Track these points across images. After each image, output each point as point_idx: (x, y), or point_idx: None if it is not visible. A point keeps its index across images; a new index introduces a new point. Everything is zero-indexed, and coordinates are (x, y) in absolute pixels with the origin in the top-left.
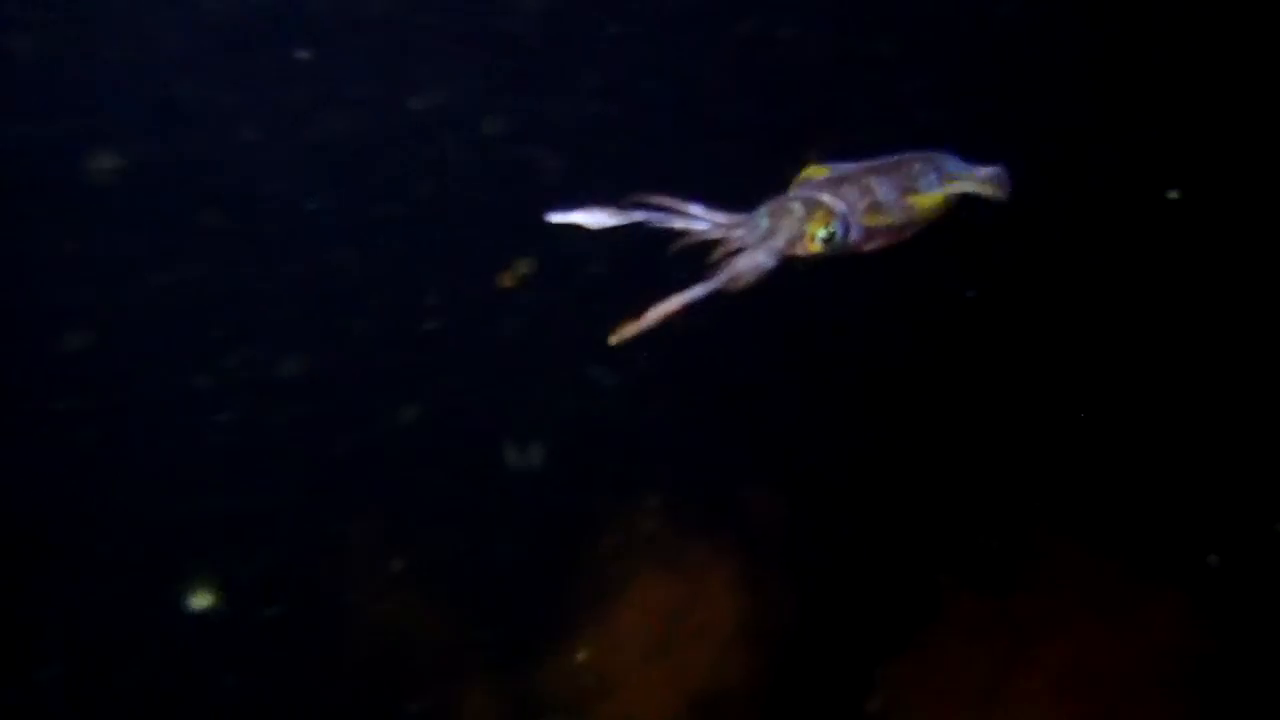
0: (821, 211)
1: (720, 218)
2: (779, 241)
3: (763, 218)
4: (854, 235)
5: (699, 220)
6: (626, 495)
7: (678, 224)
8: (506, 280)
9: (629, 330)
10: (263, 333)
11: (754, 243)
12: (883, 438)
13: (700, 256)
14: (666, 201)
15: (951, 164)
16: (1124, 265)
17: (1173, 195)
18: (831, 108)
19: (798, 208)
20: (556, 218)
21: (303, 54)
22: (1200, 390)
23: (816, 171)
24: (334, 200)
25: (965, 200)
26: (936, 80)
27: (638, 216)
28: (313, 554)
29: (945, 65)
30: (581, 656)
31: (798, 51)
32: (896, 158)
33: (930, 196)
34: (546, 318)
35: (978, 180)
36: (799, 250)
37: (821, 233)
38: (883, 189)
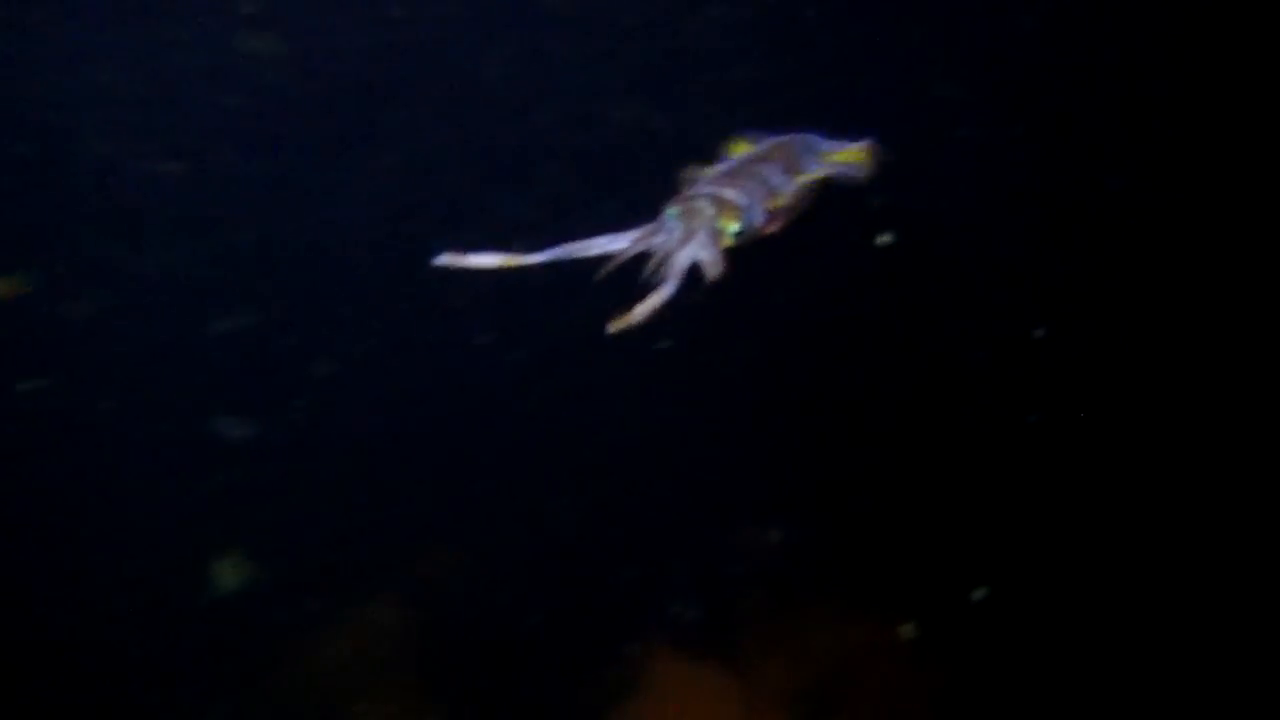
0: (729, 208)
1: (632, 233)
2: (704, 238)
3: (674, 221)
4: (758, 221)
5: (612, 242)
6: (266, 578)
7: (592, 251)
8: None
9: (621, 325)
10: None
11: (677, 246)
12: (569, 492)
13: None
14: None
15: (821, 143)
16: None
17: (884, 239)
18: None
19: (706, 206)
20: (444, 261)
21: None
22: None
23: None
24: None
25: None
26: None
27: (544, 255)
28: None
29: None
30: None
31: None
32: (772, 142)
33: (814, 175)
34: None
35: (850, 154)
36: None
37: (733, 227)
38: (773, 175)
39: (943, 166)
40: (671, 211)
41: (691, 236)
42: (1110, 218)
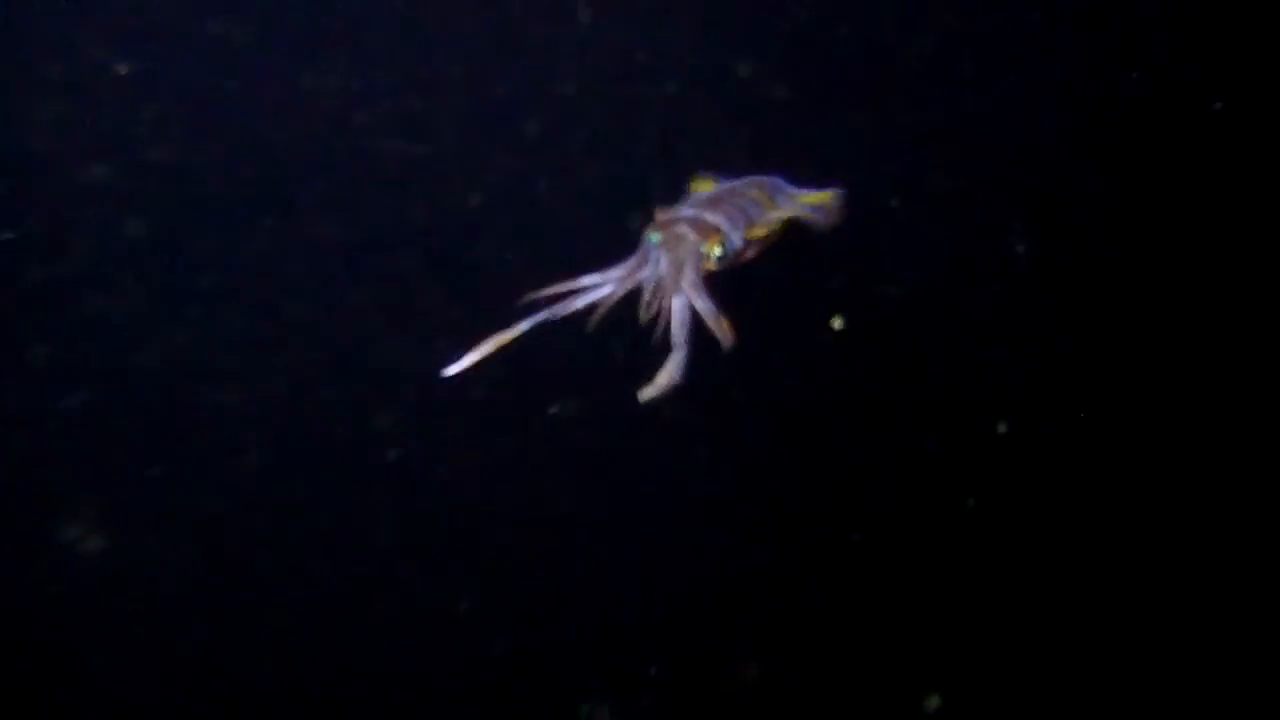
0: (713, 232)
1: (615, 272)
2: (691, 267)
3: (658, 252)
4: (739, 245)
5: (599, 287)
6: None
7: (580, 303)
8: None
9: (652, 392)
10: None
11: (668, 280)
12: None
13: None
14: (556, 289)
15: (788, 187)
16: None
17: (836, 324)
18: None
19: (689, 232)
20: (454, 370)
21: None
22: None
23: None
24: None
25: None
26: None
27: (531, 321)
28: None
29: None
30: None
31: None
32: (744, 181)
33: (784, 211)
34: None
35: (818, 197)
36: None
37: (717, 251)
38: (750, 206)
39: (906, 251)
40: (654, 237)
41: (680, 269)
42: (1077, 310)
